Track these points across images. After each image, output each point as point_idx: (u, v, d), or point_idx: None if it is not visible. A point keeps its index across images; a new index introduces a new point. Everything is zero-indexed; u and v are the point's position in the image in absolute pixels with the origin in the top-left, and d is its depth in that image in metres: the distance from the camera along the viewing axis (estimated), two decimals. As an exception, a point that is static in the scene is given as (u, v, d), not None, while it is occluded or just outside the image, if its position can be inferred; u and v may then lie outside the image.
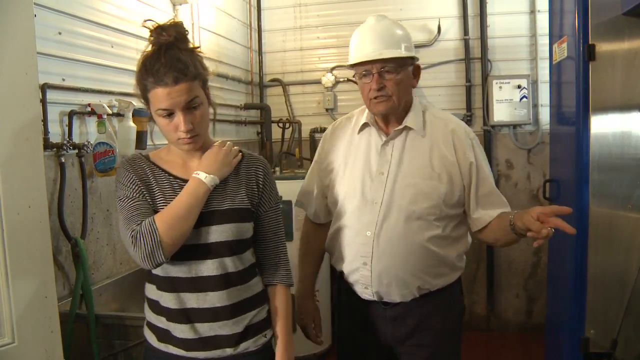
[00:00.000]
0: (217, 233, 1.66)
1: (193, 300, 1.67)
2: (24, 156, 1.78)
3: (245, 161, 1.81)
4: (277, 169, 4.48)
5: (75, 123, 2.64)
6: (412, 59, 2.05)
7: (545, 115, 4.59)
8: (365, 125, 2.13)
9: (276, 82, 5.21)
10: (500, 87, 4.68)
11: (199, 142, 1.69)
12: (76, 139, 2.63)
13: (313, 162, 2.33)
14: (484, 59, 4.80)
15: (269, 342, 1.81)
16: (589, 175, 2.60)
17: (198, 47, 1.70)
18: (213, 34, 4.29)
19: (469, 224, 2.12)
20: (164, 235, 1.55)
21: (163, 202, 1.65)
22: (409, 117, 2.07)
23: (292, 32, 5.17)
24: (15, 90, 1.74)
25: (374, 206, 2.03)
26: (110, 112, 2.76)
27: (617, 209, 2.51)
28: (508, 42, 4.79)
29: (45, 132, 2.40)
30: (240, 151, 1.83)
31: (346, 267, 2.13)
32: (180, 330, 1.67)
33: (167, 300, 1.68)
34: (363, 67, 2.02)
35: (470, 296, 4.97)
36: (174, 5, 3.68)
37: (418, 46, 4.86)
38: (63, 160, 2.51)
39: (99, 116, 2.71)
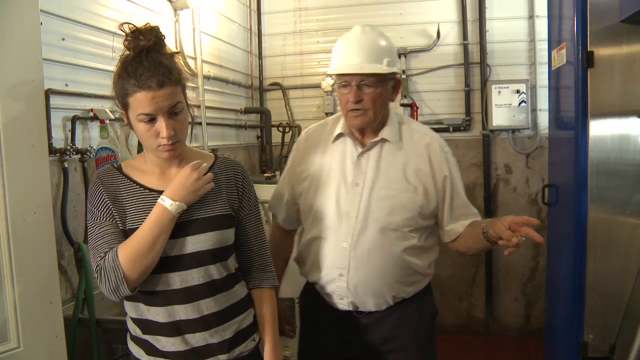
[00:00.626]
0: (201, 242, 1.64)
1: (183, 311, 1.63)
2: (29, 163, 1.80)
3: (222, 166, 1.78)
4: (277, 172, 4.49)
5: (78, 128, 2.66)
6: (394, 74, 2.04)
7: (543, 120, 4.62)
8: (340, 135, 2.11)
9: (276, 86, 5.23)
10: (499, 92, 4.69)
11: (179, 149, 1.63)
12: (79, 144, 2.65)
13: (286, 169, 2.29)
14: (483, 63, 4.82)
15: (258, 345, 1.81)
16: (587, 181, 2.61)
17: (178, 52, 1.67)
18: (214, 38, 4.31)
19: (441, 235, 2.15)
20: (127, 271, 1.51)
21: (136, 220, 1.60)
22: (386, 129, 2.07)
23: (292, 37, 5.19)
24: (21, 97, 1.76)
25: (349, 217, 2.03)
26: (112, 117, 2.77)
27: (616, 214, 2.53)
28: (507, 47, 4.82)
29: (49, 137, 2.40)
30: (215, 155, 1.81)
31: (321, 279, 2.10)
32: (171, 344, 1.64)
33: (156, 314, 1.64)
34: (343, 78, 1.99)
35: (469, 300, 4.99)
36: (175, 10, 3.70)
37: (417, 51, 4.91)
38: (66, 166, 2.53)
39: (102, 121, 2.73)
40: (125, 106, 1.57)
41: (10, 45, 1.73)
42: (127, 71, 1.52)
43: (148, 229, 1.54)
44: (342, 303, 2.08)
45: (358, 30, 2.04)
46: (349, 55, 2.00)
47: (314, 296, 2.17)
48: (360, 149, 2.07)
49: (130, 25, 1.58)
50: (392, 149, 2.07)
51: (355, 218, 2.02)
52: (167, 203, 1.56)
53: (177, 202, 1.56)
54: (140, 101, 1.52)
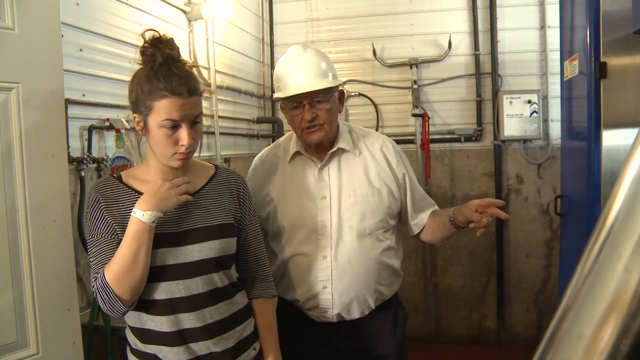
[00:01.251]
0: (206, 250, 1.65)
1: (188, 319, 1.63)
2: (50, 172, 1.83)
3: (223, 176, 1.80)
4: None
5: (95, 137, 2.69)
6: (337, 86, 2.08)
7: (555, 130, 4.61)
8: (296, 153, 2.13)
9: (288, 96, 5.22)
10: (511, 102, 4.70)
11: (190, 158, 1.67)
12: (95, 153, 2.68)
13: None
14: (495, 74, 4.83)
15: (258, 354, 1.82)
16: (600, 191, 2.61)
17: (196, 65, 1.69)
18: (227, 48, 4.35)
19: (408, 229, 2.24)
20: (117, 290, 1.52)
21: None
22: (340, 139, 2.10)
23: (304, 47, 5.20)
24: (42, 107, 1.80)
25: (324, 230, 2.05)
26: (128, 126, 2.81)
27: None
28: (518, 58, 4.82)
29: (67, 146, 2.44)
30: (215, 166, 1.83)
31: (302, 295, 2.10)
32: (175, 354, 1.63)
33: (159, 323, 1.63)
34: (293, 99, 2.00)
35: (480, 310, 4.98)
36: (189, 21, 3.74)
37: (429, 61, 4.92)
38: (83, 174, 2.56)
39: (117, 131, 2.77)
40: (147, 109, 1.57)
41: (33, 56, 1.77)
42: (157, 76, 1.53)
43: (127, 245, 1.53)
44: (326, 316, 2.10)
45: (297, 50, 2.07)
46: (295, 77, 2.02)
47: (291, 312, 2.16)
48: (319, 164, 2.10)
49: (153, 33, 1.60)
50: (349, 157, 2.12)
51: (329, 229, 2.05)
52: (139, 215, 1.53)
53: (149, 212, 1.53)
54: (168, 107, 1.53)
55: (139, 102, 1.58)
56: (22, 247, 1.74)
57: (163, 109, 1.54)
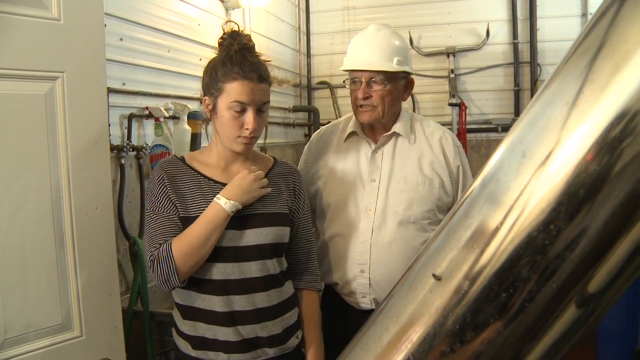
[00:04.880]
0: (263, 235, 1.69)
1: (240, 302, 1.67)
2: (92, 159, 1.86)
3: (281, 169, 1.85)
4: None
5: (134, 126, 2.74)
6: (405, 73, 2.05)
7: (595, 120, 4.51)
8: (352, 133, 2.12)
9: (324, 84, 5.25)
10: (550, 92, 4.61)
11: (253, 145, 1.72)
12: (134, 141, 2.72)
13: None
14: (533, 63, 4.75)
15: (300, 343, 1.84)
16: None
17: (270, 61, 1.74)
18: (264, 37, 4.36)
19: None
20: (179, 264, 1.58)
21: (201, 208, 1.65)
22: (397, 124, 2.07)
23: (340, 35, 5.20)
24: (86, 96, 1.83)
25: (367, 213, 2.03)
26: (166, 115, 2.85)
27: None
28: (558, 46, 4.71)
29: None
30: (274, 159, 1.87)
31: (341, 278, 2.09)
32: (224, 333, 1.67)
33: (213, 303, 1.67)
34: (353, 75, 2.03)
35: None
36: (227, 10, 3.77)
37: (466, 50, 4.86)
38: (123, 162, 2.61)
39: (156, 119, 2.81)
40: (218, 91, 1.64)
41: (77, 46, 1.80)
42: (232, 60, 1.62)
43: (203, 225, 1.60)
44: (364, 302, 2.07)
45: (372, 29, 2.07)
46: (359, 53, 2.03)
47: (333, 299, 2.15)
48: (373, 146, 2.08)
49: (232, 25, 1.71)
50: (405, 144, 2.08)
51: (373, 213, 2.03)
52: (222, 202, 1.61)
53: (232, 201, 1.61)
54: (239, 89, 1.61)
55: (211, 85, 1.66)
56: (67, 233, 1.78)
57: (233, 90, 1.62)
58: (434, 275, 0.76)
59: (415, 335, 0.78)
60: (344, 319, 2.12)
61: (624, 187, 0.67)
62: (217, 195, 1.63)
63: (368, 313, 2.07)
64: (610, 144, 0.66)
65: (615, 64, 0.67)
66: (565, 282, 0.71)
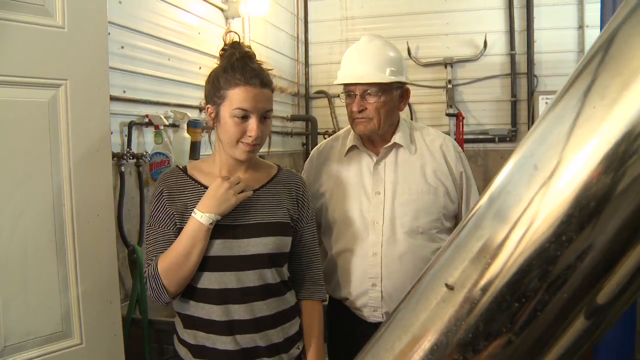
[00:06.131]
0: (261, 245, 1.67)
1: (239, 311, 1.66)
2: (94, 167, 1.87)
3: (283, 176, 1.83)
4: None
5: (134, 133, 2.74)
6: (399, 82, 2.03)
7: (592, 132, 4.54)
8: (353, 147, 2.10)
9: (322, 94, 5.26)
10: (547, 103, 4.57)
11: (256, 152, 1.70)
12: (134, 149, 2.72)
13: None
14: (530, 74, 4.78)
15: (301, 354, 1.83)
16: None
17: (271, 69, 1.74)
18: (262, 46, 4.38)
19: None
20: (165, 281, 1.59)
21: None
22: (397, 135, 2.06)
23: (339, 45, 5.21)
24: (88, 103, 1.84)
25: (375, 226, 2.01)
26: (166, 123, 2.85)
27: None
28: (555, 58, 4.76)
29: (108, 142, 2.49)
30: (278, 167, 1.86)
31: (352, 293, 2.05)
32: (222, 342, 1.66)
33: (212, 312, 1.66)
34: (348, 88, 2.00)
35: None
36: (226, 19, 3.78)
37: (463, 61, 4.89)
38: (123, 170, 2.61)
39: (156, 127, 2.81)
40: (220, 99, 1.63)
41: (81, 54, 1.81)
42: (233, 67, 1.61)
43: (183, 241, 1.59)
44: (375, 315, 2.05)
45: (364, 40, 2.05)
46: (352, 66, 2.01)
47: (342, 312, 2.13)
48: (375, 158, 2.06)
49: (234, 36, 1.71)
50: (406, 154, 2.06)
51: (381, 226, 2.01)
52: (198, 216, 1.59)
53: (208, 214, 1.59)
54: (241, 95, 1.60)
55: (214, 92, 1.65)
56: (68, 241, 1.78)
57: (236, 97, 1.60)
58: (446, 285, 0.77)
59: (428, 343, 0.79)
60: (353, 331, 2.10)
61: (634, 199, 0.68)
62: (194, 210, 1.61)
63: (376, 325, 2.06)
64: (620, 158, 0.67)
65: (624, 80, 0.68)
66: (576, 293, 0.72)
